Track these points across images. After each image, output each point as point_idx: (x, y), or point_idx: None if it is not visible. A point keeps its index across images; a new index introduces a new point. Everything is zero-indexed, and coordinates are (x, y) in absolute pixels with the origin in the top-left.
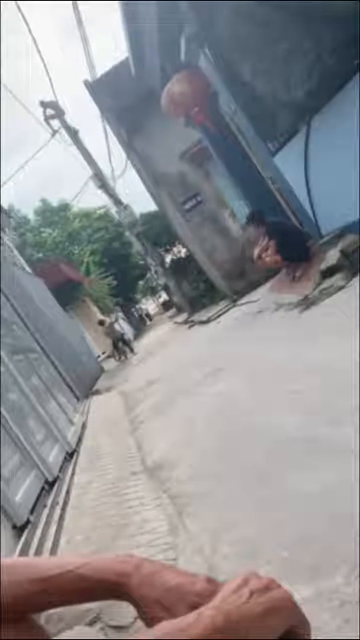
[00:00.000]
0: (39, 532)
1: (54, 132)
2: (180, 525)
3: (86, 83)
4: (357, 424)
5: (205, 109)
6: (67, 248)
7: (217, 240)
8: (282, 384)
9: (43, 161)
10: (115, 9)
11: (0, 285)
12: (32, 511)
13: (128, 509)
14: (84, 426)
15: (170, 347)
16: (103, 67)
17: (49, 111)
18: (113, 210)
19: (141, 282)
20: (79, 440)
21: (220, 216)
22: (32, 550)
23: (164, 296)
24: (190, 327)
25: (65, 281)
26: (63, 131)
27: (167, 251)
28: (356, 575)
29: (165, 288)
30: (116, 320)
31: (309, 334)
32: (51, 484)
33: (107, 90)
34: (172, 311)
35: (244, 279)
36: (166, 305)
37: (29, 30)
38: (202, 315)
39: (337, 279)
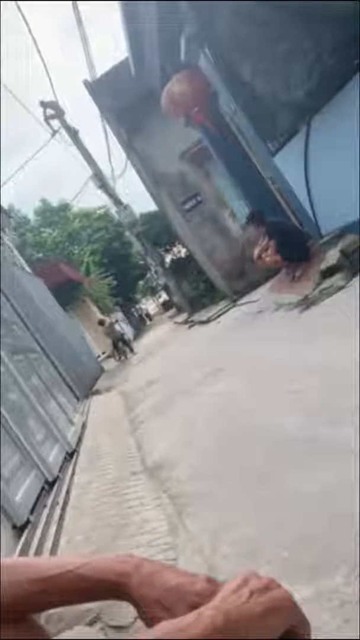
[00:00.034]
0: (39, 532)
1: (54, 132)
2: (180, 525)
3: (86, 83)
4: (357, 424)
5: (205, 109)
6: (67, 248)
7: (217, 240)
8: (282, 384)
9: (43, 161)
10: (115, 9)
11: (0, 285)
12: (32, 511)
13: (128, 509)
14: (84, 426)
15: (170, 347)
16: (103, 67)
17: (49, 111)
18: (113, 210)
19: (141, 282)
20: (79, 440)
21: (220, 216)
22: (32, 550)
23: (164, 296)
24: (190, 327)
25: (65, 281)
26: (63, 131)
27: (167, 251)
28: (356, 575)
29: (165, 288)
30: (116, 321)
31: (309, 334)
32: (51, 484)
33: (107, 90)
34: (172, 311)
35: (244, 279)
36: (166, 305)
37: (29, 30)
38: (202, 315)
39: (337, 279)
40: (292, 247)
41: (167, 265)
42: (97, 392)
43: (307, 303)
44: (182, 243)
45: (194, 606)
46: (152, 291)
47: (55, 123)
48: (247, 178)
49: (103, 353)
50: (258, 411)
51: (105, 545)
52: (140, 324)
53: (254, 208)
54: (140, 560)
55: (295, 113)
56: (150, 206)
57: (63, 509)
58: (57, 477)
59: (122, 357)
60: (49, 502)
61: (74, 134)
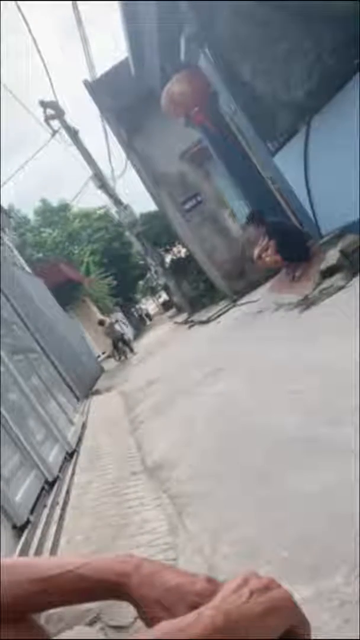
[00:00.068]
0: (39, 532)
1: (54, 132)
2: (180, 525)
3: (86, 83)
4: (357, 424)
5: (205, 109)
6: (67, 248)
7: (217, 240)
8: (282, 384)
9: (43, 161)
10: (115, 9)
11: (0, 285)
12: (32, 511)
13: (128, 509)
14: (84, 426)
15: (170, 347)
16: (103, 67)
17: (49, 111)
18: (113, 210)
19: (141, 282)
20: (79, 440)
21: (220, 216)
22: (32, 550)
23: (164, 296)
24: (190, 327)
25: (65, 281)
26: (63, 131)
27: (167, 251)
28: (356, 575)
29: (165, 288)
30: (116, 321)
31: (309, 334)
32: (51, 484)
33: (107, 90)
34: (172, 311)
35: (244, 279)
36: (166, 305)
37: (29, 30)
38: (202, 315)
39: (337, 279)
40: (292, 247)
41: (167, 265)
42: (97, 392)
43: (307, 303)
44: (182, 243)
45: (194, 606)
46: (152, 291)
47: (55, 123)
48: (247, 178)
49: (103, 353)
50: (258, 411)
51: (105, 545)
52: (140, 324)
53: (254, 208)
54: (140, 560)
55: (295, 113)
56: (150, 206)
57: (63, 509)
58: (57, 477)
59: (122, 357)
60: (49, 502)
61: (74, 134)
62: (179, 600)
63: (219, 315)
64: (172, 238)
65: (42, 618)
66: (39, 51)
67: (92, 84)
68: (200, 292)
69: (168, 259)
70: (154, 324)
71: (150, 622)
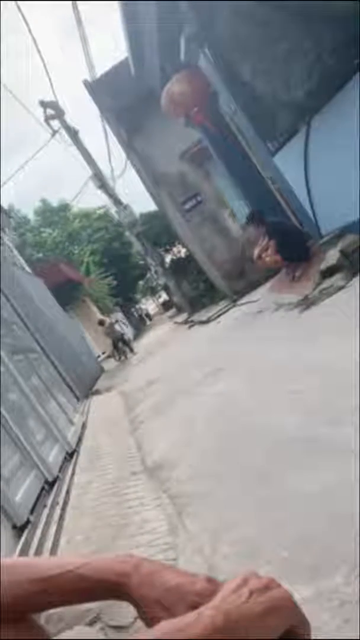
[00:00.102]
0: (39, 532)
1: (54, 132)
2: (180, 525)
3: (86, 83)
4: (357, 424)
5: (205, 109)
6: (67, 248)
7: (217, 240)
8: (282, 384)
9: (43, 161)
10: (115, 9)
11: (0, 285)
12: (32, 511)
13: (128, 509)
14: (84, 426)
15: (170, 347)
16: (103, 67)
17: (49, 111)
18: (113, 210)
19: (141, 282)
20: (79, 440)
21: (220, 216)
22: (32, 550)
23: (164, 296)
24: (190, 327)
25: (65, 281)
26: (63, 131)
27: (167, 251)
28: (356, 575)
29: (165, 288)
30: (116, 321)
31: (309, 334)
32: (51, 484)
33: (106, 90)
34: (172, 311)
35: (244, 279)
36: (166, 305)
37: (29, 30)
38: (202, 315)
39: (337, 279)
40: (292, 247)
41: (167, 265)
42: (97, 392)
43: (307, 303)
44: (182, 243)
45: (194, 606)
46: (152, 291)
47: (55, 123)
48: (247, 178)
49: (103, 353)
50: (258, 411)
51: (105, 545)
52: (140, 324)
53: (254, 208)
54: (140, 560)
55: (295, 113)
56: (150, 206)
57: (63, 509)
58: (57, 477)
59: (122, 357)
60: (49, 502)
61: (74, 134)
62: (179, 600)
63: (219, 315)
64: (172, 238)
65: (42, 618)
66: (39, 51)
67: (92, 84)
68: (200, 292)
69: (168, 259)
70: (154, 324)
71: (150, 622)
